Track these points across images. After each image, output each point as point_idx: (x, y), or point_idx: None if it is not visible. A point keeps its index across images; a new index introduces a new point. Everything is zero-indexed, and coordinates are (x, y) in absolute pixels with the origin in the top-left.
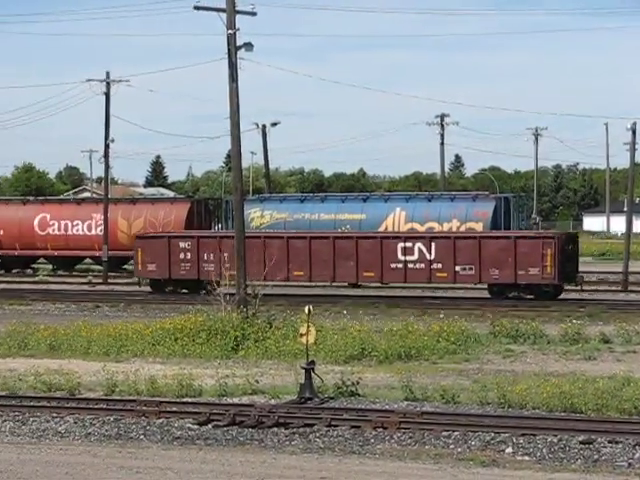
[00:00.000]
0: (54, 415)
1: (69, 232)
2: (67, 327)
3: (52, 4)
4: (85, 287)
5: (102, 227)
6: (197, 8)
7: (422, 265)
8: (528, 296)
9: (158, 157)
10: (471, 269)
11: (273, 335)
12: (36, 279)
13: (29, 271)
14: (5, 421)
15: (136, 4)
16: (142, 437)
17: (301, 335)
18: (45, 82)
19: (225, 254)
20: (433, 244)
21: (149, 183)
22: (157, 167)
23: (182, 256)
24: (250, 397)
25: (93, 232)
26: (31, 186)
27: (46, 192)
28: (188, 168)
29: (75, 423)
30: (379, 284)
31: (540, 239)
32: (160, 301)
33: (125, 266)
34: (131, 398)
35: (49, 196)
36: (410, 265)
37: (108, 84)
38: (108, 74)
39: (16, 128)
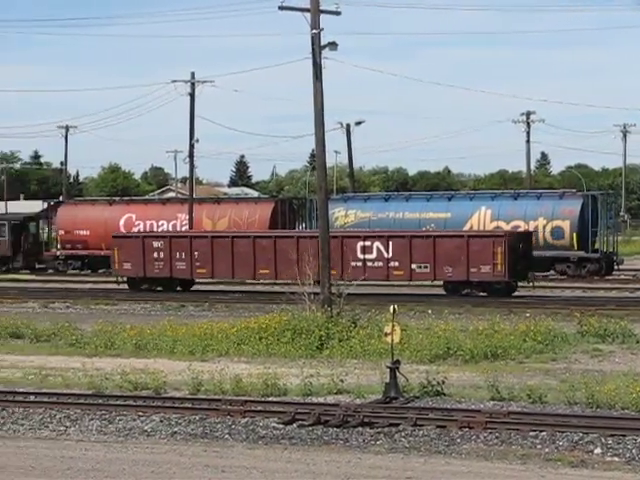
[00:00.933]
0: (140, 414)
1: None
2: (153, 327)
3: (139, 6)
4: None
5: (187, 227)
6: (282, 8)
7: (380, 263)
8: (481, 293)
9: (242, 157)
10: (426, 267)
11: (358, 334)
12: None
13: None
14: (92, 420)
15: (221, 5)
16: (227, 436)
17: (386, 334)
18: (131, 83)
19: (195, 253)
20: (390, 243)
21: (233, 183)
22: (241, 167)
23: (155, 255)
24: (335, 396)
25: None
26: (117, 187)
27: (132, 192)
28: (272, 168)
29: (161, 422)
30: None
31: (491, 238)
32: (245, 300)
33: None
34: (216, 397)
35: (134, 196)
36: (369, 263)
37: (193, 85)
38: (193, 75)
39: (103, 129)
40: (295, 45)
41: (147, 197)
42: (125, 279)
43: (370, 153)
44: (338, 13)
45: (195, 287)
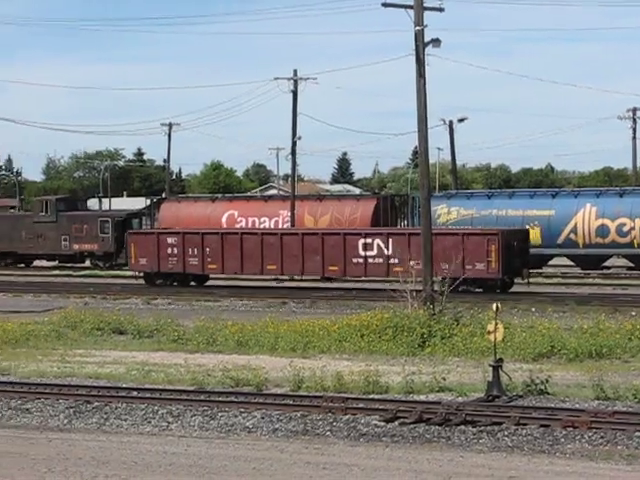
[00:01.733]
0: (242, 410)
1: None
2: (254, 323)
3: (241, 4)
4: (272, 283)
5: (289, 224)
6: (385, 5)
7: (380, 260)
8: (477, 290)
9: (344, 154)
10: None
11: (460, 332)
12: (223, 276)
13: None
14: (194, 415)
15: (324, 2)
16: (328, 433)
17: (488, 332)
18: (234, 81)
19: (207, 249)
20: (390, 240)
21: (335, 180)
22: (343, 164)
23: (169, 251)
24: (437, 394)
25: None
26: (219, 184)
27: (234, 190)
28: (374, 165)
29: (262, 418)
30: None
31: (485, 236)
32: (347, 297)
33: None
34: (318, 394)
35: (237, 193)
36: (370, 260)
37: (295, 82)
38: (296, 72)
39: (206, 127)
40: (398, 42)
41: (249, 194)
42: (142, 274)
43: (473, 150)
44: (441, 10)
45: (295, 283)
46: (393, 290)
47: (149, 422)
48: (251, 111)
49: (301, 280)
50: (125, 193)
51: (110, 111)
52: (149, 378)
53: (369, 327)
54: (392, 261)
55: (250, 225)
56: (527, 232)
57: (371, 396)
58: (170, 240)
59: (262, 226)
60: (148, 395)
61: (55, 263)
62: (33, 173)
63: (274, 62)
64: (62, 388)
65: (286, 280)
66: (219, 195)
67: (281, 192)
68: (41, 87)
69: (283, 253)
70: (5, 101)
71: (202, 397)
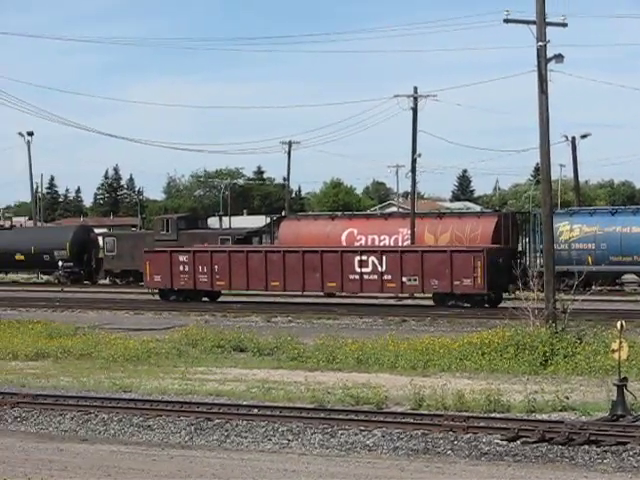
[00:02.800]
0: (362, 428)
1: None
2: (374, 341)
3: (359, 22)
4: (391, 301)
5: (409, 242)
6: (507, 21)
7: (375, 276)
8: (465, 304)
9: (464, 171)
10: (415, 280)
11: (583, 350)
12: (343, 293)
13: None
14: (314, 433)
15: (444, 19)
16: (449, 452)
17: (613, 351)
18: (353, 99)
19: (216, 266)
20: (384, 257)
21: (455, 197)
22: (463, 181)
23: (181, 268)
24: (559, 413)
25: None
26: (338, 202)
27: (353, 207)
28: (495, 182)
29: (383, 437)
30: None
31: (471, 253)
32: (467, 316)
33: None
34: (438, 413)
35: (356, 211)
36: (365, 276)
37: (415, 99)
38: (416, 89)
39: (325, 144)
40: (519, 58)
41: (369, 212)
42: (157, 290)
43: (595, 167)
44: (564, 25)
45: (414, 301)
46: (514, 308)
47: (269, 440)
48: (371, 129)
49: (421, 298)
50: (245, 211)
51: (230, 130)
52: (269, 396)
53: (490, 345)
54: (385, 277)
55: (369, 243)
56: (515, 250)
57: (492, 415)
58: (182, 258)
59: (382, 244)
60: (268, 413)
61: None
62: (154, 192)
63: (394, 79)
64: (183, 405)
65: (405, 298)
66: (338, 213)
67: (401, 210)
68: (162, 107)
69: (285, 270)
70: (129, 121)
71: (322, 415)
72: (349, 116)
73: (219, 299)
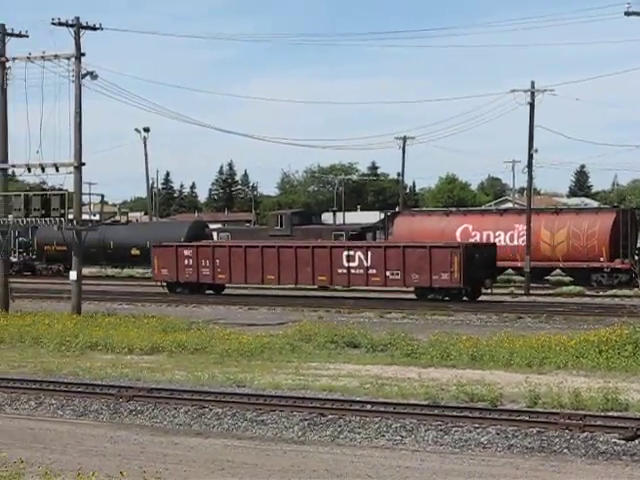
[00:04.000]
0: (476, 426)
1: None
2: (489, 338)
3: (474, 17)
4: (507, 298)
5: (524, 238)
6: (628, 14)
7: (361, 271)
8: (445, 297)
9: (582, 166)
10: (397, 274)
11: None
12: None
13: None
14: (428, 430)
15: (563, 13)
16: (565, 451)
17: None
18: (469, 94)
19: (217, 260)
20: (369, 252)
21: (572, 193)
22: (581, 177)
23: (186, 262)
24: None
25: (515, 243)
26: (453, 197)
27: (467, 203)
28: (613, 177)
29: (497, 434)
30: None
31: (448, 249)
32: (584, 313)
33: (547, 277)
34: (554, 411)
35: (471, 207)
36: (352, 271)
37: (533, 94)
38: (533, 84)
39: (440, 140)
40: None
41: (484, 208)
42: (165, 283)
43: None
44: None
45: (532, 298)
46: (633, 306)
47: (383, 436)
48: (487, 124)
49: (537, 295)
50: (359, 207)
51: (344, 125)
52: (382, 392)
53: (608, 343)
54: (370, 272)
55: (484, 239)
56: (494, 246)
57: (610, 413)
58: (186, 252)
59: (497, 240)
60: (382, 409)
61: None
62: (268, 187)
63: (510, 74)
64: (296, 400)
65: (521, 294)
66: (453, 209)
67: (516, 205)
68: (276, 102)
69: (280, 264)
70: (242, 117)
71: (436, 412)
72: (466, 111)
73: (224, 292)
